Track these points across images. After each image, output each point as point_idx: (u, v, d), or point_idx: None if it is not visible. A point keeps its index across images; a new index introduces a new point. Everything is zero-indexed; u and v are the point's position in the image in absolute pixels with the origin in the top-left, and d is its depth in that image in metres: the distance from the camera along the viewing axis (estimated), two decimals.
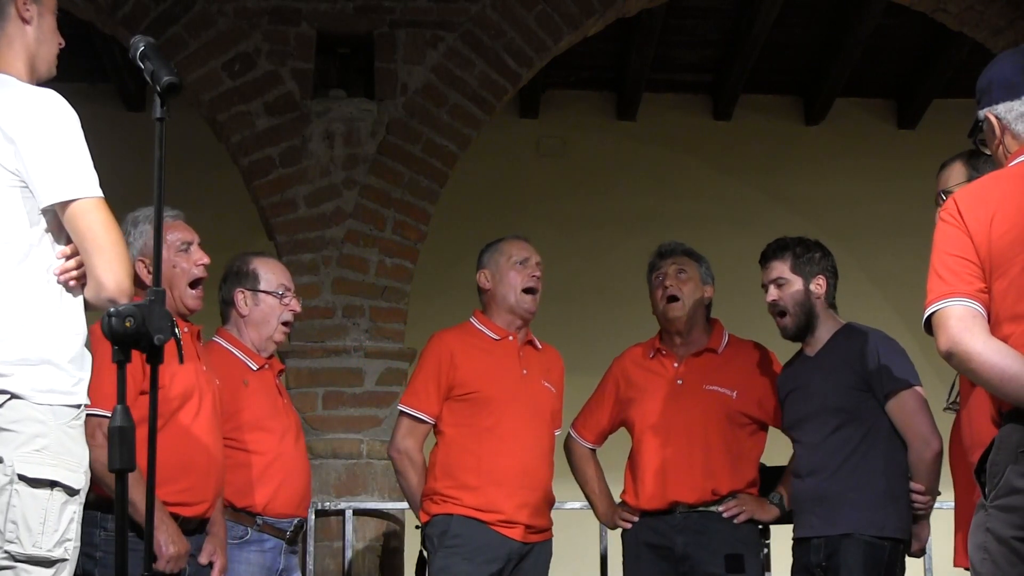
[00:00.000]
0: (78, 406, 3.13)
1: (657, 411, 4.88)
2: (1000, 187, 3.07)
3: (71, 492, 3.08)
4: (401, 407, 4.95)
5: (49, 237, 3.16)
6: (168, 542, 4.04)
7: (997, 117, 3.19)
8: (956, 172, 4.00)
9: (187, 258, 4.34)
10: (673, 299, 4.91)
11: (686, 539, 4.77)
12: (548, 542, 4.90)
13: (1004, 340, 2.95)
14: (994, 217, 3.01)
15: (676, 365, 4.94)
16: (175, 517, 4.12)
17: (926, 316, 3.02)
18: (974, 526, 2.99)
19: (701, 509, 4.79)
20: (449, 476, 4.78)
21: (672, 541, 4.79)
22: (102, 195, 3.13)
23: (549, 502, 4.92)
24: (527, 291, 4.91)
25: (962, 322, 2.96)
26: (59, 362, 3.11)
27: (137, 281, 4.20)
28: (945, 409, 4.28)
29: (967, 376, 3.03)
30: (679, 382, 4.91)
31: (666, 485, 4.80)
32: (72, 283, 3.15)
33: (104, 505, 3.91)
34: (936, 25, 7.13)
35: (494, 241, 5.07)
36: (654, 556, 4.83)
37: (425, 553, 4.85)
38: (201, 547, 4.25)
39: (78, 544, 3.13)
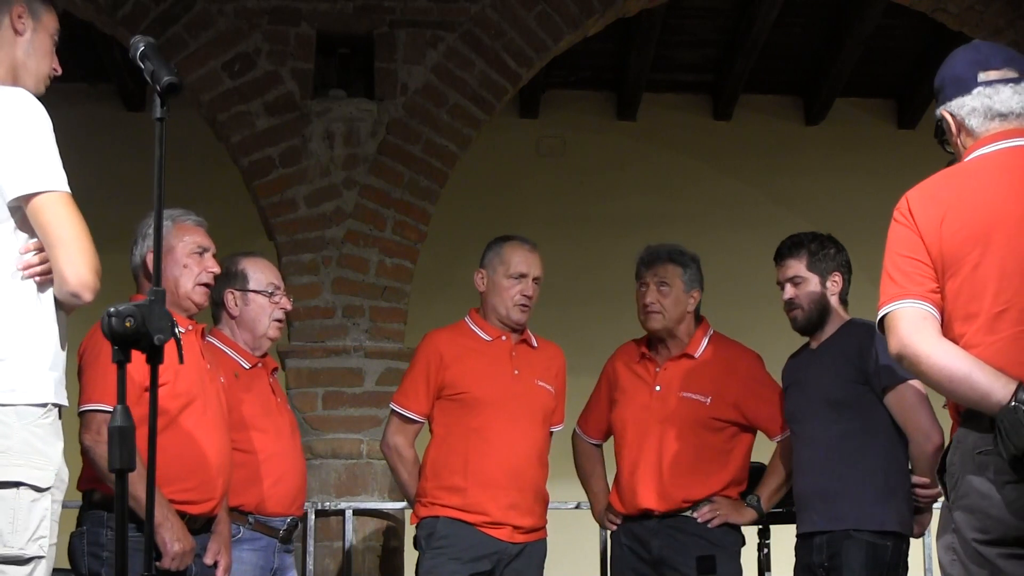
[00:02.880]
0: (44, 404, 3.12)
1: (634, 417, 4.90)
2: (951, 185, 3.07)
3: (39, 490, 3.08)
4: (392, 405, 4.98)
5: (20, 235, 3.15)
6: (173, 540, 4.05)
7: (951, 114, 3.18)
8: None
9: (200, 262, 4.37)
10: (652, 312, 4.91)
11: (661, 542, 4.79)
12: (541, 542, 4.90)
13: (956, 340, 2.95)
14: (945, 216, 3.00)
15: (657, 370, 4.95)
16: (182, 515, 4.12)
17: (878, 319, 3.02)
18: (941, 526, 2.99)
19: (676, 514, 4.80)
20: (436, 476, 4.80)
21: (648, 544, 4.81)
22: (67, 190, 3.12)
23: (542, 502, 4.91)
24: (521, 305, 4.90)
25: (912, 324, 2.96)
26: (24, 360, 3.10)
27: (146, 274, 4.24)
28: (944, 406, 4.28)
29: (918, 378, 3.04)
30: (657, 388, 4.91)
31: (636, 493, 4.82)
32: (38, 279, 3.15)
33: (111, 505, 3.91)
34: (936, 25, 7.13)
35: (501, 239, 5.03)
36: (634, 558, 4.86)
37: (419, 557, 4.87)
38: (207, 546, 4.26)
39: (54, 540, 3.13)
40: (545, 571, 4.97)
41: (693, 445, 4.81)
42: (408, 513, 5.35)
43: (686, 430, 4.82)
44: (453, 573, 4.71)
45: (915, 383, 4.59)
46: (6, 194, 3.11)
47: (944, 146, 3.30)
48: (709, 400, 4.85)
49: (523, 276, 4.91)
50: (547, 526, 4.96)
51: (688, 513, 4.80)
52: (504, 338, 4.92)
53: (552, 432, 5.02)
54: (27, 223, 3.15)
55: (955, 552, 2.92)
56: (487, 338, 4.91)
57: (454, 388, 4.83)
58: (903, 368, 3.02)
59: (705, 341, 4.97)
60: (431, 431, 4.92)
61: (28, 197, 3.10)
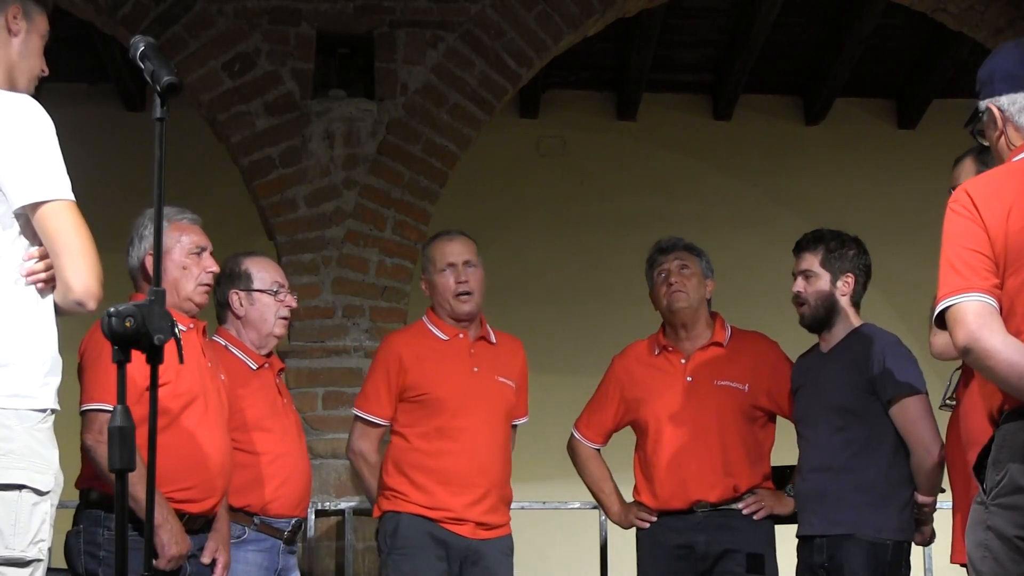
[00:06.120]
0: (44, 410, 3.14)
1: (670, 410, 4.87)
2: (1014, 181, 3.05)
3: (40, 493, 3.09)
4: (355, 410, 4.98)
5: (23, 241, 3.16)
6: (171, 541, 4.05)
7: (999, 109, 3.17)
8: (967, 169, 4.01)
9: (198, 262, 4.37)
10: (679, 292, 4.91)
11: (708, 538, 4.77)
12: (503, 539, 4.87)
13: (1016, 336, 2.92)
14: (1011, 211, 2.98)
15: (683, 361, 4.94)
16: (182, 514, 4.12)
17: (940, 309, 2.98)
18: (972, 523, 2.97)
19: (722, 508, 4.79)
20: (400, 473, 4.81)
21: (693, 540, 4.79)
22: (73, 199, 3.14)
23: (505, 499, 4.90)
24: (461, 294, 4.88)
25: (980, 318, 2.92)
26: (25, 366, 3.11)
27: (145, 275, 4.25)
28: (941, 407, 4.29)
29: (983, 373, 2.97)
30: (689, 379, 4.90)
31: (686, 484, 4.80)
32: (40, 285, 3.16)
33: (108, 504, 3.93)
34: (936, 25, 7.14)
35: (429, 240, 5.09)
36: (673, 556, 4.82)
37: (378, 551, 4.87)
38: (204, 546, 4.26)
39: (50, 543, 3.14)
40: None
41: (736, 432, 4.83)
42: None
43: (727, 418, 4.83)
44: (415, 572, 4.71)
45: (921, 396, 4.59)
46: (12, 201, 3.12)
47: (976, 136, 3.29)
48: (747, 387, 4.87)
49: (452, 265, 4.90)
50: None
51: (734, 506, 4.79)
52: (461, 336, 4.92)
53: (515, 426, 5.02)
54: (30, 230, 3.16)
55: (988, 549, 2.91)
56: (444, 337, 4.91)
57: (415, 390, 4.84)
58: (969, 361, 2.98)
59: (729, 330, 4.99)
60: (393, 431, 4.92)
61: (35, 205, 3.11)
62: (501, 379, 4.93)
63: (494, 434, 4.86)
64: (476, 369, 4.88)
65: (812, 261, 4.79)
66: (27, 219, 3.14)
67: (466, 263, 4.90)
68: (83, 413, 4.11)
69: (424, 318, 5.00)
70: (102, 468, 4.00)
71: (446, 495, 4.75)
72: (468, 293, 4.87)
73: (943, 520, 4.44)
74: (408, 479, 4.78)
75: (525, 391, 5.05)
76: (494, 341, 4.99)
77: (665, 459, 4.84)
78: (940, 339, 3.91)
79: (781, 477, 4.94)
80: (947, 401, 4.21)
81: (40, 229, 3.13)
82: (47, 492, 3.10)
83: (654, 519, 4.88)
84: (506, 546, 4.88)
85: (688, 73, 8.82)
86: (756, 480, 4.84)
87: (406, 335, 5.00)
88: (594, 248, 8.78)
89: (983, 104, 3.21)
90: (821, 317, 4.78)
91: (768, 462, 4.92)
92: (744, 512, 4.79)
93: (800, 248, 4.85)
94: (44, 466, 3.11)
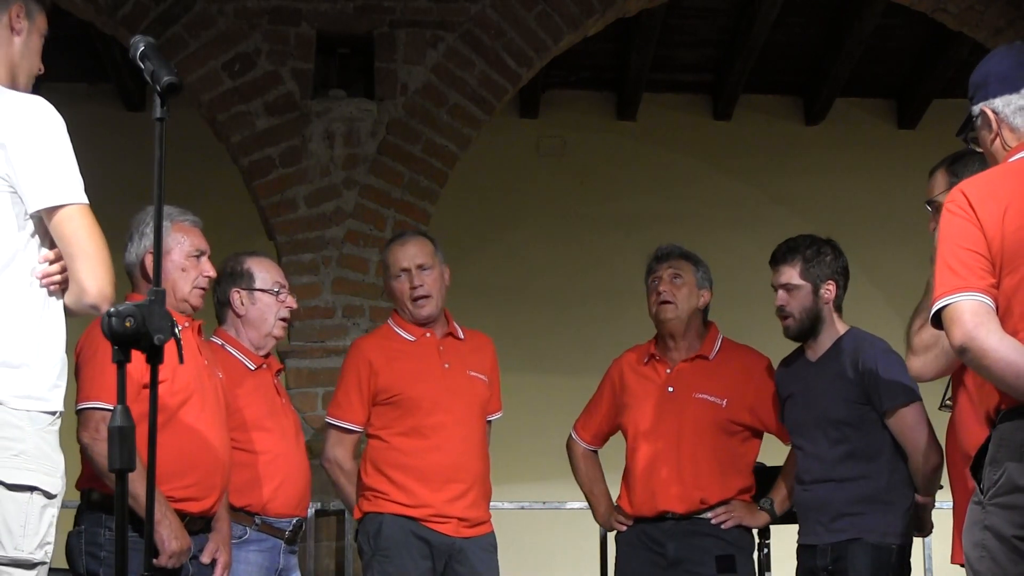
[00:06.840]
0: (54, 412, 3.16)
1: (647, 419, 4.89)
2: (1010, 181, 3.06)
3: (49, 496, 3.11)
4: (328, 419, 4.98)
5: (35, 242, 3.18)
6: (171, 537, 4.05)
7: (994, 111, 3.18)
8: (939, 181, 3.99)
9: (197, 265, 4.37)
10: (666, 303, 4.90)
11: (677, 543, 4.79)
12: (486, 536, 4.87)
13: (1013, 336, 2.93)
14: (1007, 211, 2.98)
15: (668, 371, 4.94)
16: (183, 514, 4.12)
17: (936, 309, 2.99)
18: (969, 523, 2.97)
19: (692, 516, 4.80)
20: (379, 473, 4.81)
21: (663, 546, 4.81)
22: (88, 202, 3.16)
23: (485, 494, 4.91)
24: (418, 299, 4.88)
25: (977, 317, 2.93)
26: (38, 368, 3.13)
27: (143, 273, 4.26)
28: (940, 408, 4.29)
29: (979, 372, 2.98)
30: (670, 389, 4.90)
31: (655, 495, 4.82)
32: (53, 287, 3.17)
33: (109, 505, 3.93)
34: (936, 25, 7.14)
35: (386, 244, 5.11)
36: (646, 559, 4.85)
37: (360, 552, 4.87)
38: (204, 547, 4.26)
39: (53, 546, 3.15)
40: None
41: (711, 447, 4.82)
42: None
43: (703, 432, 4.82)
44: (400, 572, 4.71)
45: (917, 404, 4.58)
46: (28, 205, 3.14)
47: (971, 143, 3.30)
48: (725, 402, 4.85)
49: (404, 271, 4.90)
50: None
51: (703, 515, 4.80)
52: (428, 335, 4.92)
53: (490, 421, 5.02)
54: (42, 229, 3.18)
55: (985, 549, 2.91)
56: (411, 338, 4.91)
57: (388, 392, 4.84)
58: (965, 360, 2.99)
59: (718, 343, 4.97)
60: (369, 434, 4.91)
61: (51, 209, 3.13)
62: (473, 373, 4.93)
63: (470, 429, 4.86)
64: (447, 365, 4.89)
65: (791, 273, 4.75)
66: (40, 220, 3.16)
67: (419, 267, 4.89)
68: (79, 412, 4.11)
69: (389, 321, 5.01)
70: (99, 465, 4.00)
71: (427, 492, 4.75)
72: (425, 296, 4.87)
73: (944, 520, 4.44)
74: (388, 479, 4.78)
75: (497, 386, 5.05)
76: (462, 337, 4.99)
77: (640, 467, 4.87)
78: (916, 362, 3.90)
79: (767, 478, 4.94)
80: (947, 402, 4.21)
81: (55, 232, 3.15)
82: (55, 495, 3.12)
83: (630, 523, 4.90)
84: (489, 543, 4.88)
85: (688, 73, 8.83)
86: (729, 493, 4.83)
87: (374, 339, 5.00)
88: (594, 248, 8.78)
89: (977, 108, 3.22)
90: (807, 328, 4.74)
91: (748, 475, 4.91)
92: (713, 521, 4.80)
93: (776, 260, 4.79)
94: (53, 469, 3.13)
